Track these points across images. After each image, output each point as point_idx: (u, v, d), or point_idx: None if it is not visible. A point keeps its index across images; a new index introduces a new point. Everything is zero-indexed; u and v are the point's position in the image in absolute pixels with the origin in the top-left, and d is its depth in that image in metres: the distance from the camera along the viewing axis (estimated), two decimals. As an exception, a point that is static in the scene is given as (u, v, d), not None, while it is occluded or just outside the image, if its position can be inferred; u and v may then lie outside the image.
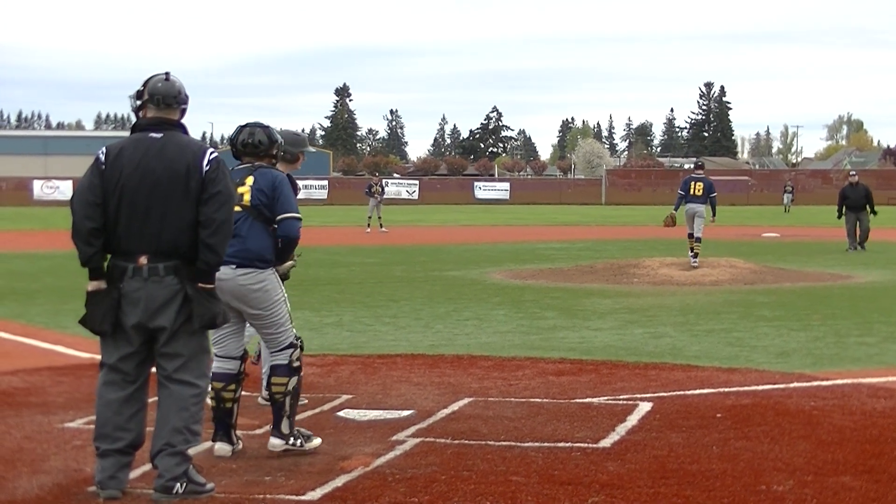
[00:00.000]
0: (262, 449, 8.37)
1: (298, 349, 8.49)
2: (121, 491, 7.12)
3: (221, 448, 8.27)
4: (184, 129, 7.37)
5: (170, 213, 7.09)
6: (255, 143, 8.61)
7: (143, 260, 7.07)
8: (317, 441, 8.32)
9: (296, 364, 8.42)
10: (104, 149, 7.28)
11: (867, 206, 32.76)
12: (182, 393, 7.18)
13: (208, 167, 7.15)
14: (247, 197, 8.35)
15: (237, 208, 8.16)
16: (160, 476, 7.11)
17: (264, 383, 9.27)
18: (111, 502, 7.04)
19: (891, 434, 8.90)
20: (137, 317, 7.09)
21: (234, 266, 8.16)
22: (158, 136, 7.22)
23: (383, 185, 49.73)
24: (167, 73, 7.40)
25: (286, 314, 8.42)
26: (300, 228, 8.53)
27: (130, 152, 7.19)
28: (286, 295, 8.49)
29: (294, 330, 8.53)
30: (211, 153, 7.22)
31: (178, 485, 7.07)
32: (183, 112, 7.41)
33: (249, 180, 8.42)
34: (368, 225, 45.74)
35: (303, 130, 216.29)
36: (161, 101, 7.29)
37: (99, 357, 7.37)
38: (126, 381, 7.20)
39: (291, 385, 8.35)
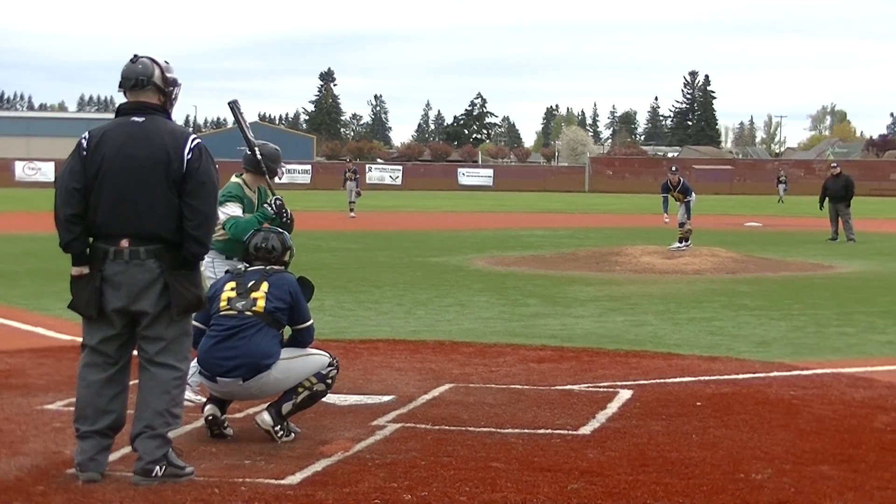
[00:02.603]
0: (242, 433, 8.37)
1: (335, 369, 8.55)
2: (100, 473, 7.11)
3: (212, 408, 8.30)
4: (167, 115, 7.34)
5: (151, 197, 7.07)
6: (268, 249, 8.64)
7: (125, 243, 7.06)
8: (292, 437, 8.31)
9: (328, 381, 8.47)
10: (87, 133, 7.27)
11: (847, 198, 32.93)
12: (163, 376, 7.18)
13: (190, 155, 7.13)
14: (261, 303, 8.32)
15: (248, 313, 8.20)
16: (140, 459, 7.10)
17: None
18: (90, 485, 7.03)
19: (869, 423, 8.95)
20: (120, 300, 7.08)
21: (240, 381, 8.19)
22: (140, 119, 7.20)
23: (355, 170, 49.08)
24: (134, 56, 7.36)
25: (303, 364, 8.39)
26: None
27: (112, 137, 7.17)
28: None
29: (327, 356, 8.56)
30: (193, 140, 7.20)
31: (158, 468, 7.07)
32: (166, 95, 7.34)
33: (264, 286, 8.39)
34: (351, 210, 45.61)
35: (287, 115, 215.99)
36: (124, 82, 7.28)
37: (80, 339, 7.36)
38: (107, 363, 7.20)
39: (316, 388, 8.40)
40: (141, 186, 7.07)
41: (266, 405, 8.39)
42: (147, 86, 7.26)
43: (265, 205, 9.63)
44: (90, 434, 7.13)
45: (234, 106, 9.45)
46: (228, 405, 8.50)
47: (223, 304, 8.35)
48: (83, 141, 7.22)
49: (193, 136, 7.27)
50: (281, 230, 8.83)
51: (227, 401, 8.43)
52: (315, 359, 8.46)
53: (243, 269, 8.59)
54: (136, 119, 7.20)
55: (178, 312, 7.13)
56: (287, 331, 8.56)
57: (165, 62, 7.38)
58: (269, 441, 8.13)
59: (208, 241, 7.25)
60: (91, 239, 7.17)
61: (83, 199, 7.11)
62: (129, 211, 7.07)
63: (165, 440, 7.15)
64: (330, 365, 8.48)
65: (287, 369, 8.28)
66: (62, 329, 13.46)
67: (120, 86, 7.32)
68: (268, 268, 8.54)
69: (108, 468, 7.21)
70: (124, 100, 7.36)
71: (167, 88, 7.34)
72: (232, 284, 8.45)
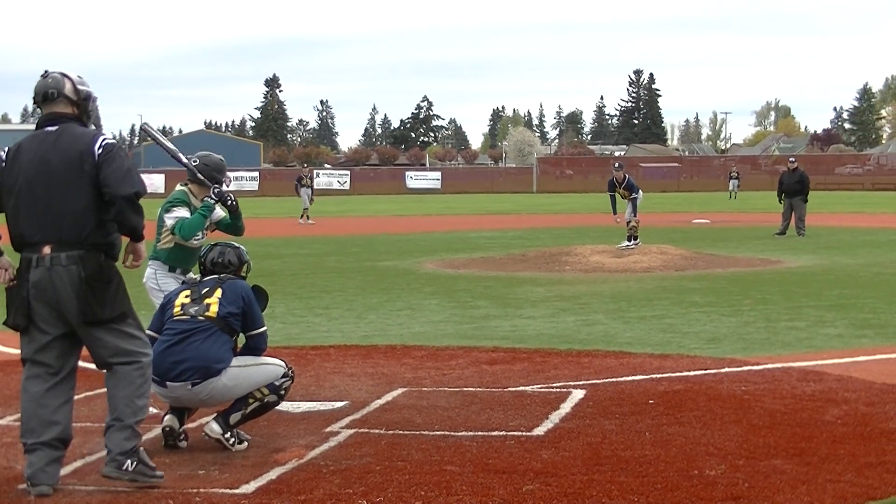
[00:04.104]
0: (195, 443, 8.32)
1: (290, 379, 8.52)
2: (52, 486, 7.06)
3: (171, 418, 8.27)
4: (81, 123, 7.40)
5: (68, 201, 7.14)
6: (224, 264, 8.67)
7: (47, 250, 7.14)
8: (245, 445, 8.28)
9: (281, 392, 8.45)
10: (6, 148, 7.43)
11: (802, 192, 33.06)
12: (123, 369, 7.22)
13: (101, 150, 7.19)
14: (214, 308, 8.32)
15: (200, 318, 8.18)
16: (109, 452, 7.13)
17: None
18: (42, 499, 6.97)
19: (820, 417, 9.01)
20: (44, 307, 7.14)
21: (189, 385, 8.16)
22: (53, 128, 7.31)
23: (311, 176, 49.35)
24: (45, 71, 7.46)
25: (255, 373, 8.34)
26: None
27: (28, 147, 7.31)
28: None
29: (282, 365, 8.51)
30: (103, 139, 7.28)
31: (129, 462, 7.08)
32: (80, 107, 7.40)
33: (218, 292, 8.41)
34: (308, 217, 45.38)
35: (233, 122, 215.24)
36: (36, 97, 7.41)
37: (26, 354, 7.34)
38: (49, 374, 7.21)
39: (268, 399, 8.38)
40: (58, 191, 7.16)
41: (214, 414, 8.36)
42: (58, 98, 7.36)
43: (205, 198, 9.67)
44: (37, 446, 7.10)
45: (146, 129, 9.71)
46: (187, 417, 8.44)
47: (177, 309, 8.37)
48: (2, 154, 7.39)
49: (104, 136, 7.37)
50: (237, 245, 8.84)
51: (185, 413, 8.38)
52: (268, 369, 8.41)
53: (198, 277, 8.61)
54: (49, 129, 7.33)
55: (90, 323, 7.12)
56: (241, 340, 8.54)
57: (78, 76, 7.50)
58: (222, 450, 8.09)
59: (137, 221, 7.25)
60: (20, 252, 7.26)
61: None
62: (49, 216, 7.15)
63: (134, 432, 7.18)
64: (285, 376, 8.44)
65: (237, 377, 8.24)
66: (9, 343, 13.32)
67: (34, 101, 7.46)
68: (222, 276, 8.55)
69: (59, 482, 7.15)
70: None
71: (80, 101, 7.40)
72: (187, 292, 8.51)
